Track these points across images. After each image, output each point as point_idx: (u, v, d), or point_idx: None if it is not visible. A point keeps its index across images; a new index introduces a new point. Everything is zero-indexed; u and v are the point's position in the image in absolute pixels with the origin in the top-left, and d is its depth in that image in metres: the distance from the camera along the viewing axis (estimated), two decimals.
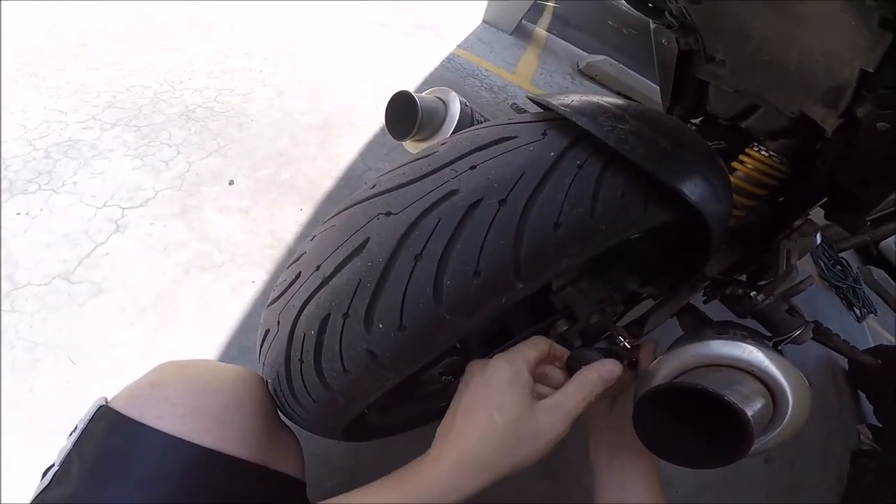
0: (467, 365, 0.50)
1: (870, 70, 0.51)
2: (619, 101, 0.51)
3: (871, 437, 1.83)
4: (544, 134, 0.45)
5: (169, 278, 1.08)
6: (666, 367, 0.51)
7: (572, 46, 3.48)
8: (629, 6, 0.80)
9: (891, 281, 3.63)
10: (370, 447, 1.00)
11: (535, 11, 3.65)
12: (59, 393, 0.86)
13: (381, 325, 0.41)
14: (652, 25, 0.83)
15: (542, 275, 0.41)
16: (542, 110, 0.54)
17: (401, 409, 0.84)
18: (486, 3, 3.06)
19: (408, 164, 0.47)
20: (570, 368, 0.50)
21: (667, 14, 0.73)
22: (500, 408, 0.42)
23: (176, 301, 1.05)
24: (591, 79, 3.15)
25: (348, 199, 0.49)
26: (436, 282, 0.39)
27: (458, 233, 0.39)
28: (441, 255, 0.39)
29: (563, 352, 0.52)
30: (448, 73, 2.36)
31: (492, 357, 0.48)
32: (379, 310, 0.41)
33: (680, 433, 0.47)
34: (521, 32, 3.21)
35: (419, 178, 0.44)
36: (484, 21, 3.10)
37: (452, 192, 0.41)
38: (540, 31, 3.50)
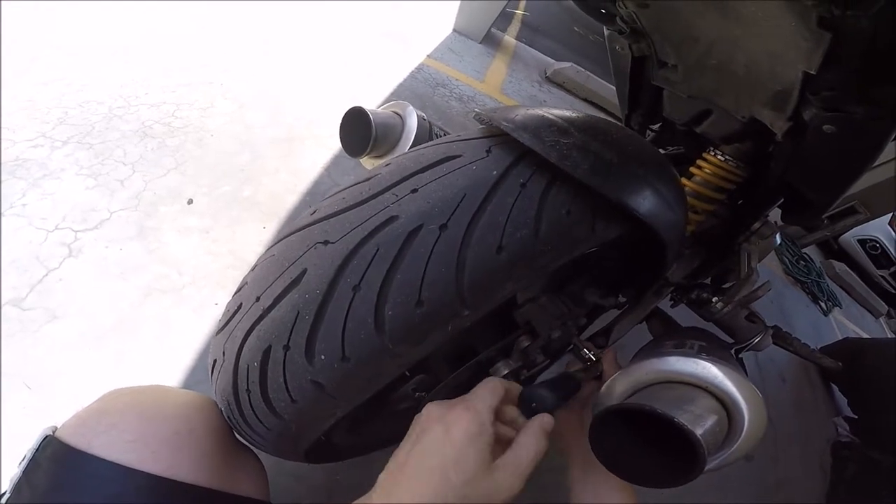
0: (426, 406, 0.47)
1: (812, 72, 0.51)
2: (567, 113, 0.50)
3: (848, 428, 1.87)
4: (489, 151, 0.43)
5: (128, 303, 1.03)
6: (622, 385, 0.51)
7: (540, 54, 3.52)
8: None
9: (852, 273, 3.78)
10: (348, 466, 0.97)
11: (504, 20, 3.68)
12: (18, 420, 0.82)
13: (323, 357, 0.39)
14: (606, 32, 0.83)
15: (489, 300, 0.40)
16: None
17: (372, 428, 0.82)
18: (455, 12, 3.07)
19: (349, 187, 0.45)
20: (523, 407, 0.49)
21: (618, 19, 0.74)
22: (457, 465, 0.39)
23: (136, 325, 1.01)
24: (559, 86, 3.18)
25: (289, 225, 0.47)
26: (377, 313, 0.37)
27: (398, 262, 0.38)
28: (381, 286, 0.38)
29: (516, 388, 0.50)
30: (417, 83, 2.34)
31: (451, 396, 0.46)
32: (320, 342, 0.39)
33: (639, 451, 0.46)
34: (490, 41, 3.23)
35: (358, 203, 0.42)
36: (454, 30, 3.11)
37: (392, 219, 0.39)
38: (509, 39, 3.53)
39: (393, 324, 0.38)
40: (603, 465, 0.45)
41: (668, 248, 0.54)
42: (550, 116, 0.47)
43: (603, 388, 0.53)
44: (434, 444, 0.40)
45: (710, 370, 0.47)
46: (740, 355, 0.74)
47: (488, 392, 0.45)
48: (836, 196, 0.80)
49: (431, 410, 0.45)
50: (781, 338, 0.84)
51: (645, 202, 0.45)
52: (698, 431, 0.40)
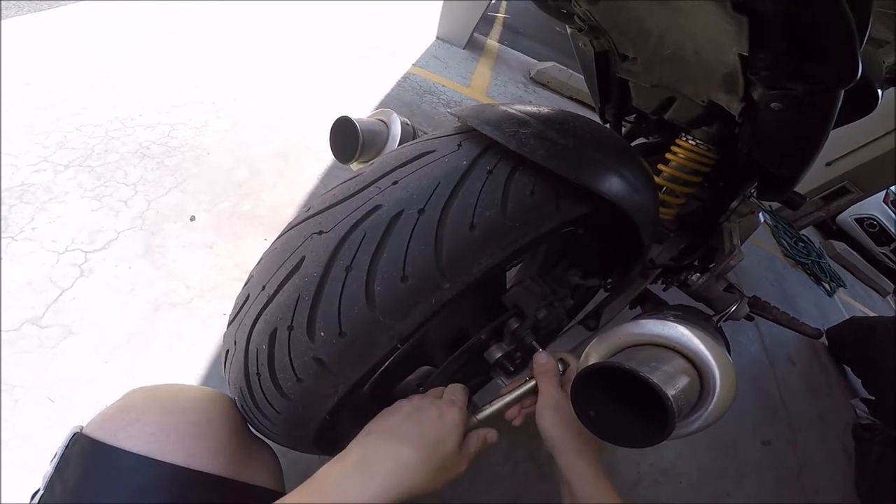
0: (416, 395, 0.58)
1: (745, 54, 0.55)
2: (531, 108, 0.55)
3: (867, 410, 1.86)
4: (459, 145, 0.49)
5: (139, 317, 1.08)
6: (600, 349, 0.55)
7: (523, 55, 3.59)
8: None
9: (853, 252, 3.77)
10: None
11: (486, 24, 3.75)
12: (42, 430, 0.86)
13: (322, 334, 0.44)
14: (568, 31, 0.88)
15: (466, 273, 0.45)
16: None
17: None
18: (438, 19, 3.14)
19: (339, 185, 0.51)
20: (470, 409, 0.60)
21: (576, 18, 0.78)
22: (445, 441, 0.51)
23: (148, 337, 1.06)
24: (543, 85, 3.25)
25: (289, 222, 0.53)
26: (367, 289, 0.43)
27: (384, 243, 0.43)
28: (369, 265, 0.43)
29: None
30: (405, 92, 2.40)
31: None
32: (319, 320, 0.44)
33: (621, 414, 0.48)
34: (473, 46, 3.30)
35: (347, 197, 0.48)
36: (437, 37, 3.18)
37: (376, 208, 0.45)
38: (491, 42, 3.60)
39: (382, 298, 0.43)
40: (584, 425, 0.48)
41: (639, 227, 0.58)
42: (512, 111, 0.53)
43: (583, 354, 0.58)
44: (430, 421, 0.52)
45: (676, 329, 0.51)
46: (720, 324, 0.78)
47: (462, 393, 0.59)
48: (800, 170, 0.84)
49: (422, 397, 0.57)
50: (759, 306, 0.88)
51: (604, 181, 0.50)
52: (669, 391, 0.42)
